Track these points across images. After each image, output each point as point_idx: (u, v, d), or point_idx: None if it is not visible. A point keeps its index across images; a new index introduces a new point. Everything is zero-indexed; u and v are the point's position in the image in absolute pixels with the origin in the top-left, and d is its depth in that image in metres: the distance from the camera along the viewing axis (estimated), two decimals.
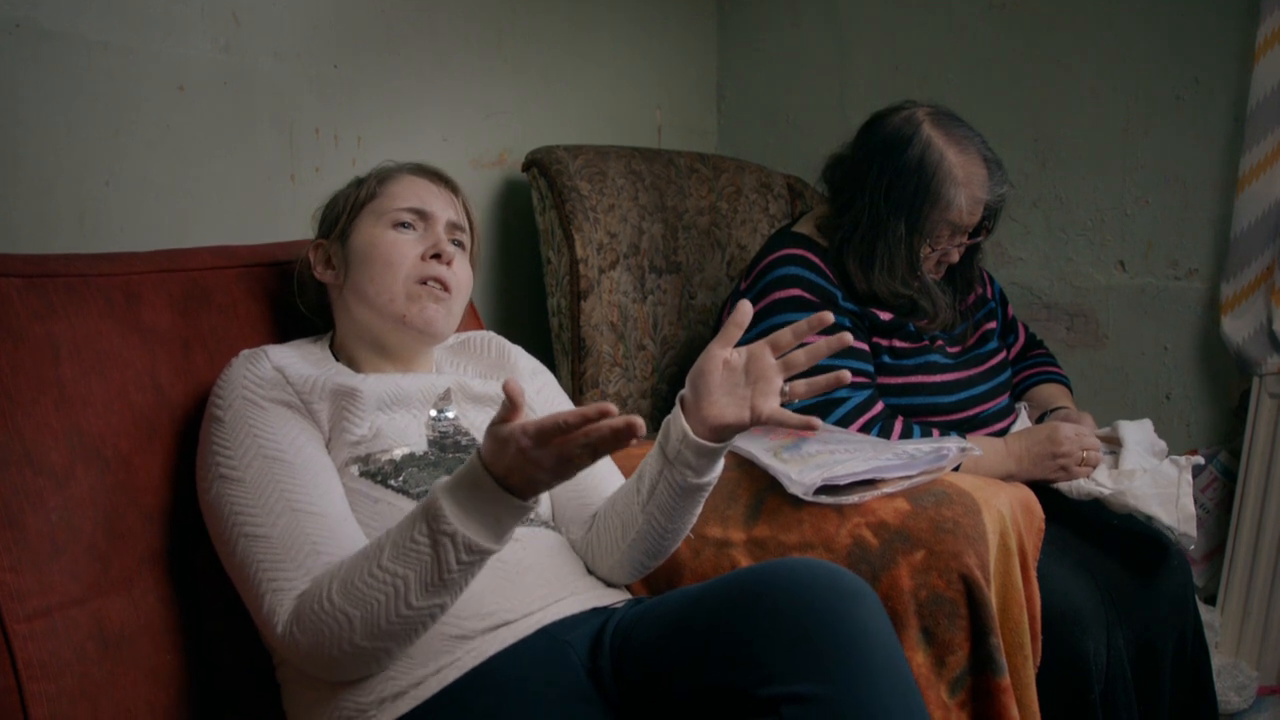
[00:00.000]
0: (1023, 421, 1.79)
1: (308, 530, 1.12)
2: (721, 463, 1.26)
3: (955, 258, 1.74)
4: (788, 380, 1.18)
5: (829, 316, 1.16)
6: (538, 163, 1.96)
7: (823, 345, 1.18)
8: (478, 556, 1.04)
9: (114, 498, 1.15)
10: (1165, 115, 2.21)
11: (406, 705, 1.11)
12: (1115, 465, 1.63)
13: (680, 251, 2.11)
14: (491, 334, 1.46)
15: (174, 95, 1.53)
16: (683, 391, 1.23)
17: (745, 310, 1.20)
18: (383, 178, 1.36)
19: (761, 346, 1.19)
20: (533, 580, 1.22)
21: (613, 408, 0.95)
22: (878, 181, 1.68)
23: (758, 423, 1.17)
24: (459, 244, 1.36)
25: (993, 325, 1.88)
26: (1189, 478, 1.57)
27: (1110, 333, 2.32)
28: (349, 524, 1.16)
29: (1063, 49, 2.30)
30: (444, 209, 1.34)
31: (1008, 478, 1.62)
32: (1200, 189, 2.20)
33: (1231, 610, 2.11)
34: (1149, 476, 1.57)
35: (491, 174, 2.08)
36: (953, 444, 1.50)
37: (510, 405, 0.99)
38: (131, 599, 1.15)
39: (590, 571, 1.33)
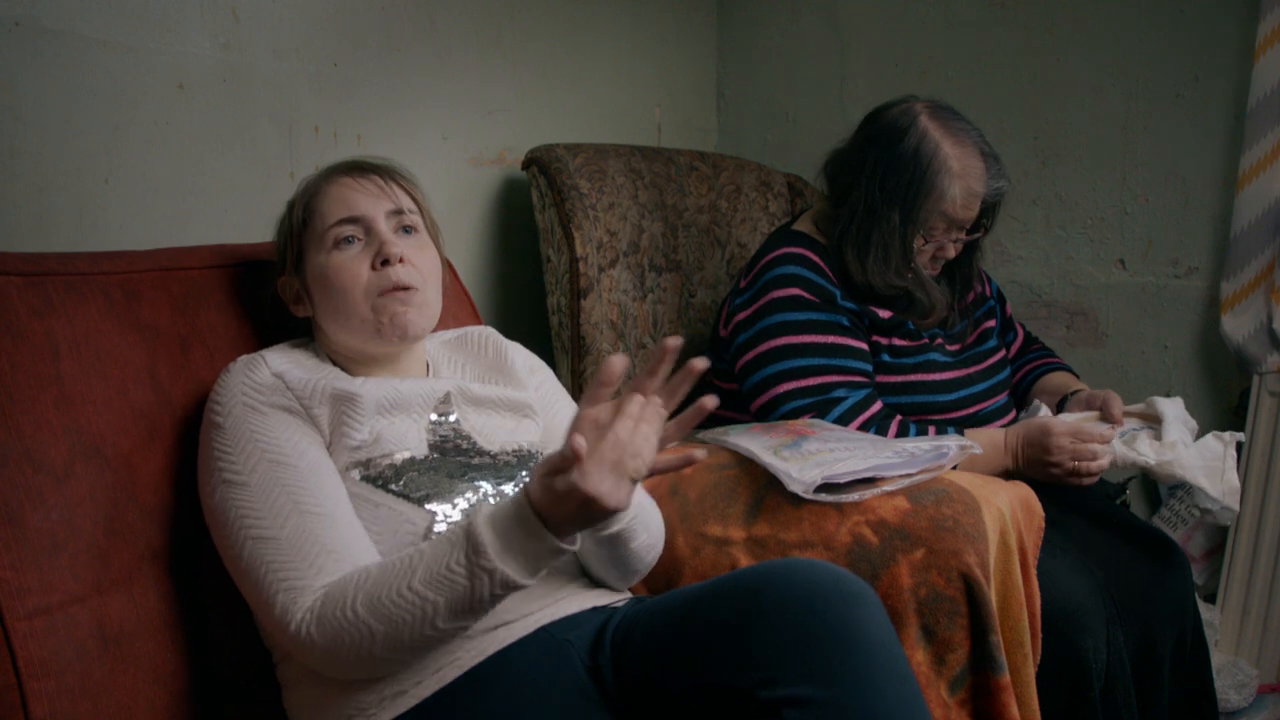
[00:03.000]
0: (1043, 414, 1.75)
1: (316, 531, 1.12)
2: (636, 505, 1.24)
3: (951, 253, 1.74)
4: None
5: (676, 342, 1.02)
6: (537, 161, 1.95)
7: (679, 380, 1.04)
8: (511, 590, 1.05)
9: (114, 495, 1.15)
10: (1165, 113, 2.21)
11: (406, 704, 1.11)
12: (1157, 438, 1.61)
13: (680, 250, 2.11)
14: (489, 331, 1.44)
15: (173, 93, 1.53)
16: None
17: (612, 365, 1.01)
18: (308, 198, 1.29)
19: (627, 398, 1.04)
20: None
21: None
22: (874, 172, 1.69)
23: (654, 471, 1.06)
24: (409, 229, 1.29)
25: (992, 324, 1.88)
26: (1233, 452, 1.57)
27: (1110, 331, 2.32)
28: (355, 526, 1.16)
29: (1062, 46, 2.30)
30: (376, 204, 1.27)
31: (1007, 474, 1.62)
32: (1200, 187, 2.19)
33: (1231, 608, 2.11)
34: (1194, 449, 1.57)
35: (491, 172, 2.08)
36: (953, 442, 1.50)
37: (571, 455, 0.98)
38: (132, 597, 1.15)
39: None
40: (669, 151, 2.19)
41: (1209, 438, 1.60)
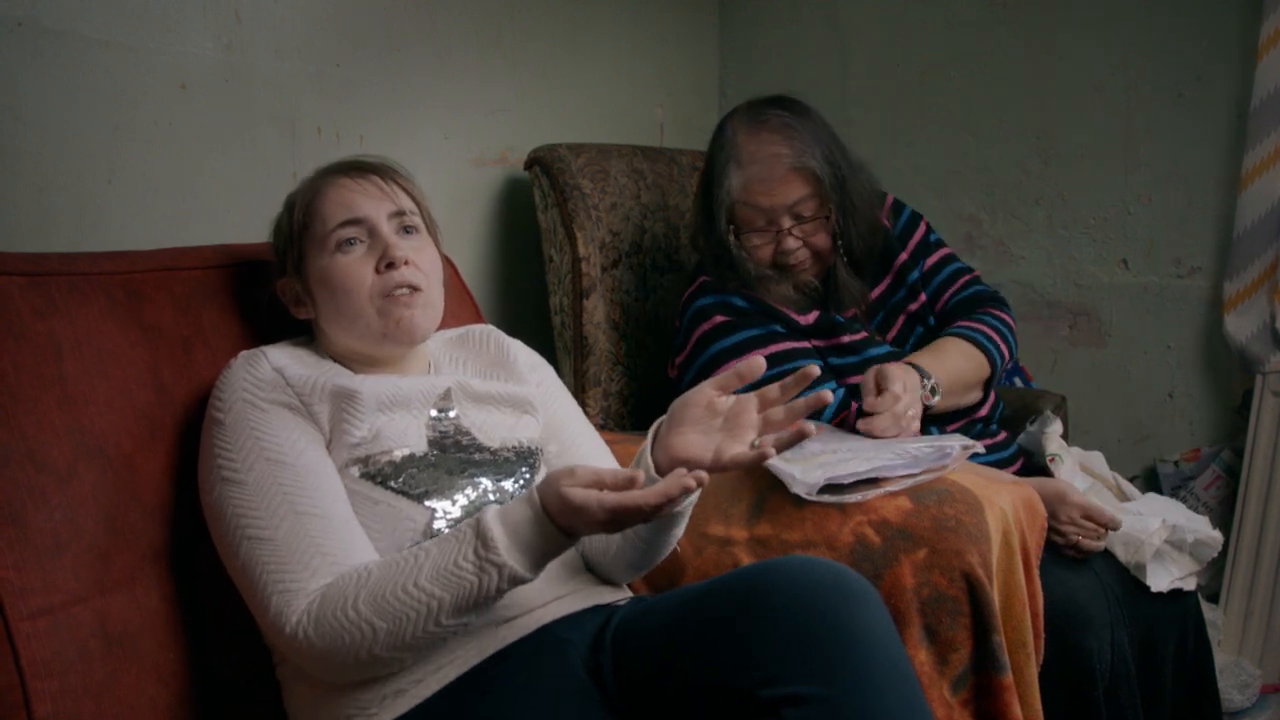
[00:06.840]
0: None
1: (311, 532, 1.12)
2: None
3: (792, 244, 1.68)
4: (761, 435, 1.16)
5: (814, 370, 1.12)
6: (540, 161, 1.95)
7: (801, 404, 1.14)
8: (517, 585, 1.07)
9: (116, 495, 1.15)
10: (1168, 112, 2.21)
11: (407, 704, 1.11)
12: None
13: (682, 250, 2.11)
14: (491, 328, 1.44)
15: (175, 93, 1.53)
16: (661, 419, 1.21)
17: (755, 366, 1.15)
18: (308, 200, 1.28)
19: (749, 398, 1.16)
20: None
21: (681, 484, 1.00)
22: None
23: (717, 466, 1.14)
24: (411, 229, 1.29)
25: (920, 303, 1.84)
26: (1162, 536, 1.60)
27: (1113, 331, 2.32)
28: (352, 525, 1.16)
29: (1064, 46, 2.30)
30: (378, 205, 1.26)
31: None
32: (1203, 187, 2.19)
33: (1234, 608, 2.11)
34: (1129, 520, 1.60)
35: (493, 172, 2.08)
36: (955, 442, 1.50)
37: (594, 475, 1.03)
38: (134, 596, 1.15)
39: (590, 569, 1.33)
40: (671, 152, 2.19)
41: (1154, 521, 1.61)
